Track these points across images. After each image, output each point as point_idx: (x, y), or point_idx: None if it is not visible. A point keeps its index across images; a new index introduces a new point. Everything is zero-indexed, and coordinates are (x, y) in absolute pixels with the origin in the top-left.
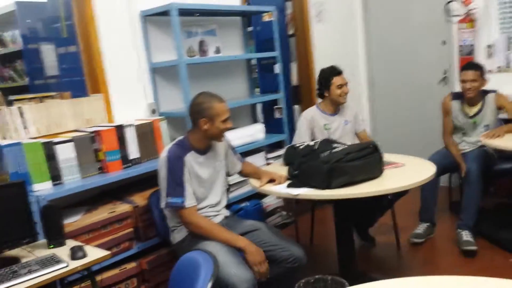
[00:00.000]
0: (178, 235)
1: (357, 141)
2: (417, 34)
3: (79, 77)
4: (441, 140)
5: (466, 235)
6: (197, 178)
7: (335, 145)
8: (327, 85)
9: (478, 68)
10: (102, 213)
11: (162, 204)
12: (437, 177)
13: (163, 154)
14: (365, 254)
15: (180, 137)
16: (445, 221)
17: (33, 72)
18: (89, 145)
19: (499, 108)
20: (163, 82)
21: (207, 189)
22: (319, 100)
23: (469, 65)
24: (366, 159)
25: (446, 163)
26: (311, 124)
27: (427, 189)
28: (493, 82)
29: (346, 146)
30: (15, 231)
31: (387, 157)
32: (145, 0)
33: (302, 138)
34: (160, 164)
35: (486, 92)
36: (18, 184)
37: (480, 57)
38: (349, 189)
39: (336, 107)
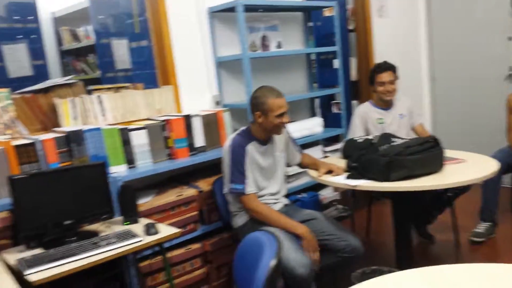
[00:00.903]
0: (239, 219)
1: (413, 135)
2: (482, 29)
3: (151, 69)
4: (504, 138)
5: None
6: (258, 167)
7: (394, 139)
8: (372, 81)
9: None
10: (170, 196)
11: (225, 190)
12: (499, 176)
13: (227, 143)
14: (423, 251)
15: (243, 127)
16: (507, 222)
17: (105, 65)
18: (160, 133)
19: None
20: (227, 75)
21: (267, 178)
22: (374, 95)
23: None
24: (427, 153)
25: (510, 161)
26: (364, 119)
27: (489, 188)
28: None
29: (406, 140)
30: (95, 207)
31: (447, 152)
32: None
33: (355, 133)
34: (224, 152)
35: None
36: (100, 165)
37: None
38: (408, 182)
39: (388, 101)
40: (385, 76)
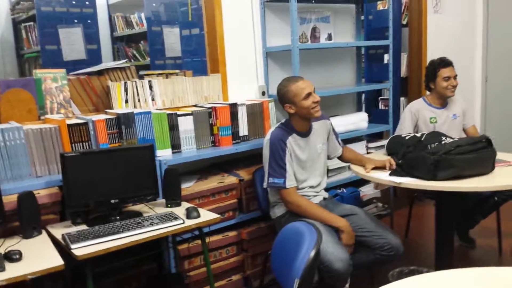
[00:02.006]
0: (278, 210)
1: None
2: None
3: (201, 57)
4: None
5: None
6: (298, 160)
7: (443, 137)
8: (433, 77)
9: None
10: (212, 183)
11: (265, 184)
12: None
13: (267, 137)
14: (463, 255)
15: (283, 120)
16: None
17: (155, 52)
18: (206, 120)
19: None
20: (274, 66)
21: (307, 171)
22: (427, 93)
23: None
24: (478, 154)
25: None
26: (416, 117)
27: None
28: None
29: (456, 139)
30: (140, 188)
31: (499, 155)
32: None
33: (404, 130)
34: (264, 146)
35: None
36: (148, 147)
37: None
38: (455, 182)
39: (443, 100)
40: (450, 71)
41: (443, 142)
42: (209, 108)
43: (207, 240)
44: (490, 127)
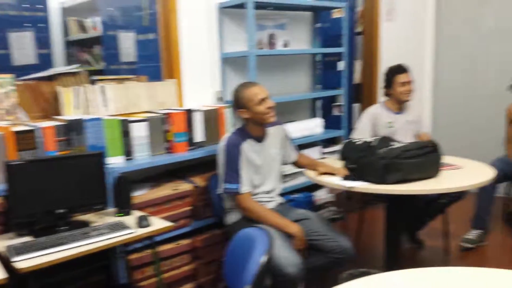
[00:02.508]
0: (232, 216)
1: None
2: (490, 38)
3: (156, 63)
4: (503, 147)
5: None
6: (253, 165)
7: (393, 142)
8: (390, 83)
9: None
10: (166, 190)
11: (220, 190)
12: (495, 185)
13: (222, 142)
14: (412, 256)
15: (239, 126)
16: (498, 231)
17: (110, 57)
18: (160, 126)
19: None
20: (231, 72)
21: (262, 176)
22: (384, 99)
23: None
24: (424, 158)
25: (507, 170)
26: (374, 121)
27: (484, 196)
28: None
29: (404, 144)
30: (89, 197)
31: (445, 158)
32: None
33: (362, 134)
34: (219, 152)
35: None
36: (97, 155)
37: None
38: (403, 185)
39: (401, 105)
40: (406, 77)
41: (392, 147)
42: (163, 114)
43: (160, 248)
44: (439, 131)
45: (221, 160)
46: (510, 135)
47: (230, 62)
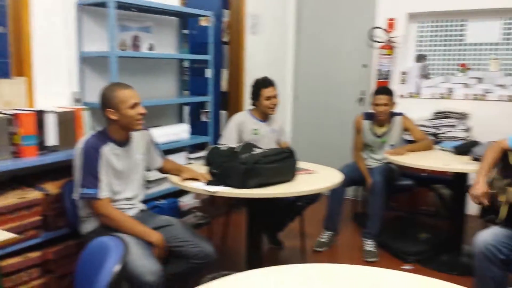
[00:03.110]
0: (88, 225)
1: None
2: (342, 55)
3: (3, 59)
4: (352, 154)
5: (369, 245)
6: (114, 170)
7: (256, 149)
8: (257, 95)
9: (389, 92)
10: (10, 198)
11: (76, 195)
12: (344, 188)
13: (79, 145)
14: (272, 256)
15: (100, 128)
16: (348, 230)
17: None
18: (5, 128)
19: (405, 130)
20: (91, 72)
21: (123, 182)
22: (250, 107)
23: (382, 89)
24: (282, 163)
25: (353, 176)
26: (240, 128)
27: (334, 198)
28: (403, 106)
29: (265, 150)
30: None
31: (301, 164)
32: None
33: (228, 140)
34: (76, 155)
35: (394, 114)
36: None
37: (394, 82)
38: (263, 189)
39: (266, 115)
40: (271, 91)
41: (254, 153)
42: (9, 114)
43: (3, 263)
44: (299, 140)
45: (77, 163)
46: (356, 143)
47: (90, 62)
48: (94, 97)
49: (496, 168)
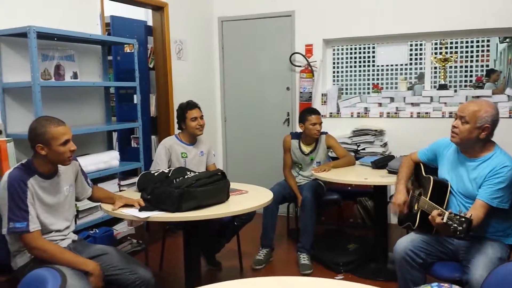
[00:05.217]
0: (20, 259)
1: None
2: (266, 79)
3: None
4: (282, 173)
5: (304, 258)
6: (42, 203)
7: (188, 172)
8: (183, 118)
9: (319, 112)
10: None
11: (4, 231)
12: (276, 206)
13: (4, 178)
14: (211, 278)
15: (23, 161)
16: (283, 246)
17: None
18: None
19: (329, 147)
20: (14, 103)
21: (53, 215)
22: (178, 131)
23: (314, 110)
24: (215, 185)
25: (284, 193)
26: (169, 152)
27: (267, 216)
28: (326, 125)
29: (197, 173)
30: None
31: (234, 185)
32: (1, 20)
33: (159, 166)
34: (1, 189)
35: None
36: None
37: (316, 103)
38: (197, 211)
39: (193, 138)
40: (196, 112)
41: (186, 177)
42: None
43: None
44: (230, 160)
45: (3, 197)
46: (286, 162)
47: (13, 92)
48: (18, 127)
49: (410, 179)
